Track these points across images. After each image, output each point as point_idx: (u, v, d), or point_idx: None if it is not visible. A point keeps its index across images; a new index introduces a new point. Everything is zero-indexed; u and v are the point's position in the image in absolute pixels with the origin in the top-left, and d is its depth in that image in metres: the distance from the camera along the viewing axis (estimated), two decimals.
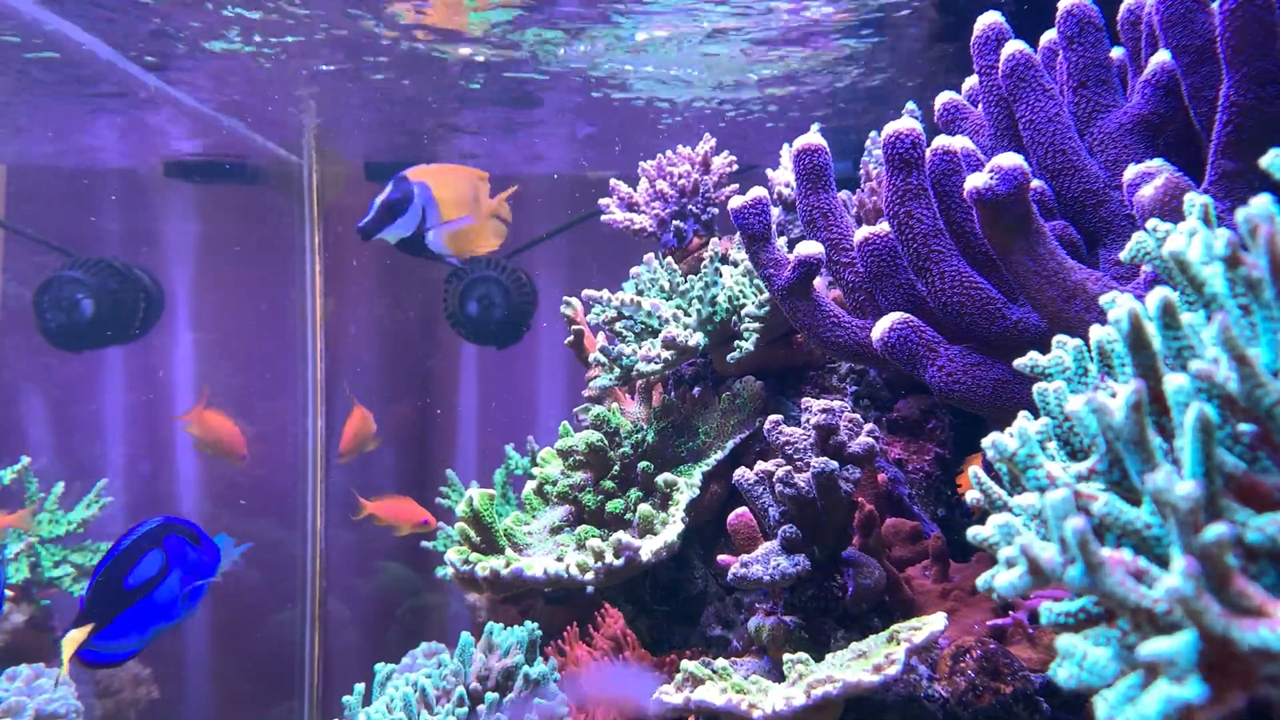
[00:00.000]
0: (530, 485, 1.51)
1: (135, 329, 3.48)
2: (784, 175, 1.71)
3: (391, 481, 4.24)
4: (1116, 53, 1.15)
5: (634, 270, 1.66)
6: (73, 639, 1.27)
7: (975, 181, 0.95)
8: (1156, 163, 0.96)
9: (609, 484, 1.43)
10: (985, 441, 0.66)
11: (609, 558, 1.24)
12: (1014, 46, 1.08)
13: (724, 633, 1.38)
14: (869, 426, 1.13)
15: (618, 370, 1.46)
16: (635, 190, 1.81)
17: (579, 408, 1.65)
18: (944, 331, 1.08)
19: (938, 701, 0.98)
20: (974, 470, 0.70)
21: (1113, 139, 1.07)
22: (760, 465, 1.13)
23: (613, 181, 1.82)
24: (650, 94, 3.08)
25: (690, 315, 1.48)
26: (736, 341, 1.47)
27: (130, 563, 1.30)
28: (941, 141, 1.04)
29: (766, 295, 1.45)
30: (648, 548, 1.25)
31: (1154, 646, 0.45)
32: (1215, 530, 0.45)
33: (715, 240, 1.57)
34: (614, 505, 1.40)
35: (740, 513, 1.22)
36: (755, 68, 2.78)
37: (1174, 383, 0.53)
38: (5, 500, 2.45)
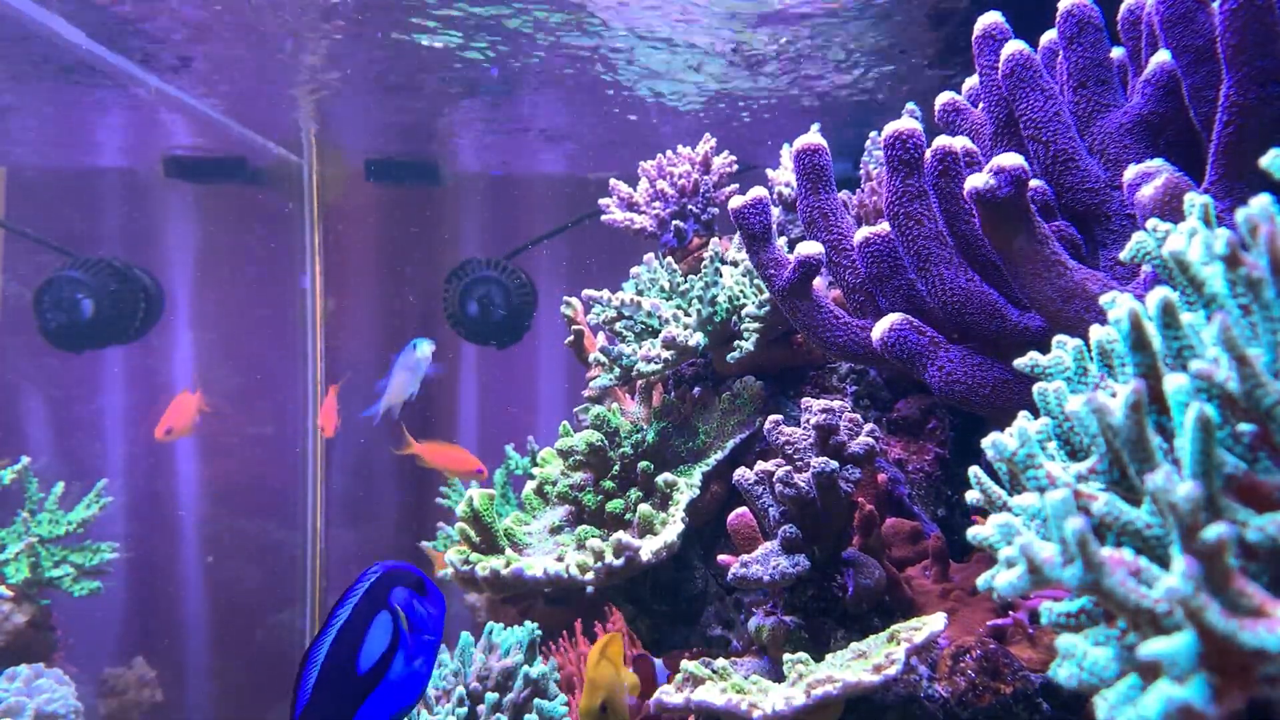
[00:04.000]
0: (530, 485, 1.51)
1: (135, 329, 3.48)
2: (784, 175, 1.71)
3: (392, 481, 4.24)
4: (1116, 53, 1.15)
5: (634, 270, 1.66)
6: None
7: (975, 182, 0.95)
8: (1156, 163, 0.96)
9: (609, 484, 1.43)
10: (985, 441, 0.66)
11: (609, 558, 1.24)
12: (1014, 46, 1.08)
13: (724, 633, 1.38)
14: (869, 426, 1.13)
15: (618, 370, 1.46)
16: (635, 190, 1.81)
17: (579, 408, 1.65)
18: (944, 332, 1.08)
19: (938, 701, 0.98)
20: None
21: (1113, 139, 1.07)
22: (760, 465, 1.13)
23: (613, 181, 1.82)
24: (649, 88, 3.07)
25: (690, 315, 1.48)
26: (736, 341, 1.46)
27: (359, 636, 0.91)
28: (942, 142, 1.04)
29: (766, 295, 1.45)
30: (648, 548, 1.25)
31: (1154, 646, 0.45)
32: (1215, 530, 0.45)
33: (715, 240, 1.57)
34: (614, 505, 1.40)
35: (740, 513, 1.21)
36: (756, 60, 2.78)
37: (1174, 383, 0.53)
38: (5, 500, 2.44)
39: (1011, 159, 0.93)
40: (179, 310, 4.27)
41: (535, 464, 1.55)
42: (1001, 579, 0.55)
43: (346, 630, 0.91)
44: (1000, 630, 1.06)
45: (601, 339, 1.66)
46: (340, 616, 0.91)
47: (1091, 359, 0.69)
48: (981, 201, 0.95)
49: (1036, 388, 0.68)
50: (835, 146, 1.21)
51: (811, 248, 1.17)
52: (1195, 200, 0.68)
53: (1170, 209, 0.90)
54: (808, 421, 1.11)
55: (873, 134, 1.69)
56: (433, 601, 0.96)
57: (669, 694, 0.99)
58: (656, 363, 1.43)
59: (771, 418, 1.15)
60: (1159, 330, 0.57)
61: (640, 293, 1.62)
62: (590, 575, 1.24)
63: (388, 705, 0.92)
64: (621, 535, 1.25)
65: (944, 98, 1.24)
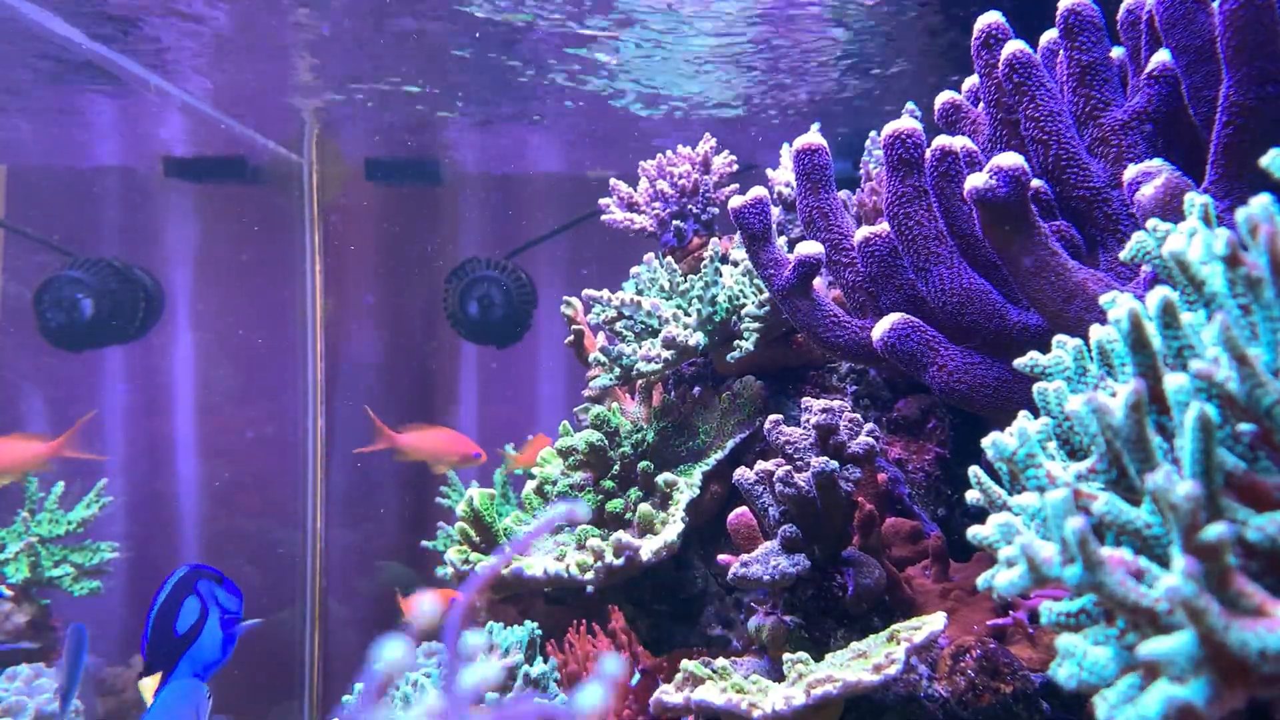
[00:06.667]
0: (530, 485, 1.51)
1: (135, 329, 3.48)
2: (784, 175, 1.71)
3: (392, 481, 4.24)
4: (1116, 52, 1.15)
5: (634, 270, 1.66)
6: (147, 686, 1.32)
7: (975, 182, 0.95)
8: (1156, 162, 0.96)
9: (609, 484, 1.43)
10: (985, 441, 0.66)
11: (609, 557, 1.24)
12: (1014, 46, 1.08)
13: (724, 632, 1.38)
14: (869, 426, 1.13)
15: (618, 370, 1.46)
16: (635, 190, 1.81)
17: (579, 408, 1.65)
18: (944, 331, 1.08)
19: (937, 701, 0.98)
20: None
21: (1113, 138, 1.07)
22: (760, 465, 1.13)
23: (613, 181, 1.82)
24: (649, 89, 3.07)
25: (690, 315, 1.48)
26: (736, 341, 1.46)
27: (174, 611, 1.36)
28: (941, 141, 1.04)
29: (766, 295, 1.45)
30: (648, 547, 1.25)
31: (1154, 646, 0.45)
32: (1215, 529, 0.45)
33: (715, 240, 1.57)
34: (614, 505, 1.40)
35: (740, 512, 1.21)
36: (755, 60, 2.78)
37: (1174, 382, 0.53)
38: (5, 500, 2.44)
39: (1011, 159, 0.93)
40: (179, 310, 4.27)
41: (535, 463, 1.55)
42: (1001, 578, 0.55)
43: (165, 606, 1.34)
44: (1000, 630, 1.06)
45: (601, 339, 1.66)
46: (159, 598, 1.34)
47: (1091, 359, 0.69)
48: (981, 202, 0.95)
49: (1036, 387, 0.68)
50: (835, 146, 1.21)
51: (811, 248, 1.17)
52: (1195, 200, 0.68)
53: (1170, 209, 0.90)
54: (808, 421, 1.11)
55: (873, 134, 1.69)
56: (230, 590, 1.42)
57: (669, 693, 0.99)
58: (656, 362, 1.43)
59: (771, 417, 1.15)
60: (1159, 330, 0.57)
61: (640, 292, 1.62)
62: (590, 575, 1.24)
63: (202, 658, 1.35)
64: (621, 535, 1.25)
65: (944, 97, 1.24)
